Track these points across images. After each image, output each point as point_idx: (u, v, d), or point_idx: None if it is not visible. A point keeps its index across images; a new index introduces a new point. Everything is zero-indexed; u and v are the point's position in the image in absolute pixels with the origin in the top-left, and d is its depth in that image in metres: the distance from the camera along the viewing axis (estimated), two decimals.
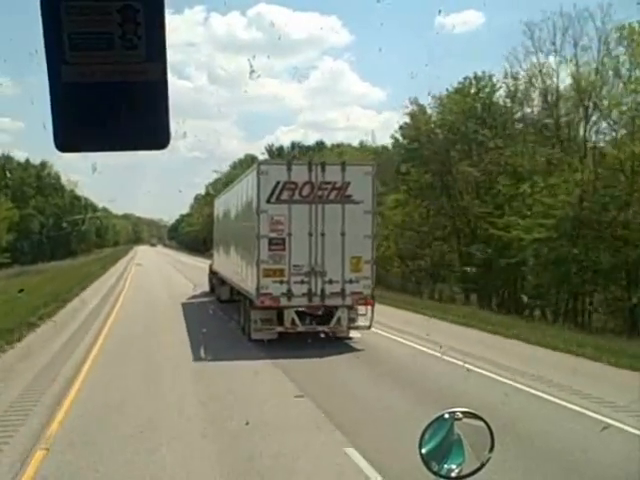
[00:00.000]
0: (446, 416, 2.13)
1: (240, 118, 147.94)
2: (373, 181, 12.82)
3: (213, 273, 24.46)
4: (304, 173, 12.62)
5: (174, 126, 1.51)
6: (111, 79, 1.43)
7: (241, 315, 14.78)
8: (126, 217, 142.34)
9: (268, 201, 12.46)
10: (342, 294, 12.59)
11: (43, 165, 72.40)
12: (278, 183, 12.47)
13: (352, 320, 12.94)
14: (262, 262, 12.42)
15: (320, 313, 12.95)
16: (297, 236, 12.50)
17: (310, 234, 12.55)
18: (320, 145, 61.82)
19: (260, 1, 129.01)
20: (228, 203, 18.87)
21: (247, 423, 7.23)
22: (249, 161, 58.76)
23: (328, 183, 12.62)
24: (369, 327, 12.78)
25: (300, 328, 12.64)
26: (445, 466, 2.13)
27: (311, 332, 12.78)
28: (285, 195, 12.51)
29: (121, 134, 1.46)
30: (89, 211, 75.32)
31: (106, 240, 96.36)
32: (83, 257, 62.04)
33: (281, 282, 12.48)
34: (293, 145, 65.77)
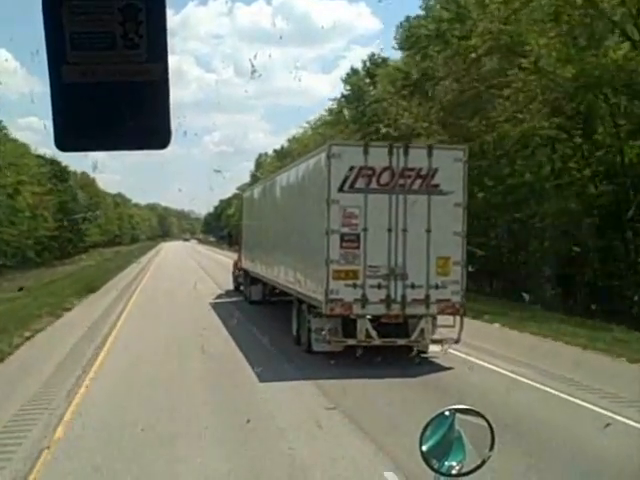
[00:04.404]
0: (446, 413, 2.61)
1: (267, 111, 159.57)
2: (465, 168, 13.08)
3: (239, 270, 26.57)
4: (383, 157, 12.97)
5: (175, 122, 1.78)
6: (112, 79, 1.69)
7: (294, 322, 15.36)
8: (151, 208, 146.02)
9: (340, 189, 12.81)
10: (426, 301, 12.93)
11: None
12: (352, 168, 12.83)
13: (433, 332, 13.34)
14: (332, 262, 12.79)
15: (398, 322, 13.29)
16: (374, 232, 12.87)
17: (389, 230, 12.92)
18: None
19: None
20: (272, 192, 19.55)
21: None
22: None
23: (412, 169, 12.95)
24: (457, 341, 13.10)
25: (376, 341, 12.94)
26: (446, 463, 2.60)
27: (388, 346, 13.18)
28: (360, 183, 12.86)
29: (122, 133, 1.74)
30: None
31: (91, 237, 73.83)
32: None
33: (354, 286, 12.82)
34: None
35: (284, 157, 56.52)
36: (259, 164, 78.93)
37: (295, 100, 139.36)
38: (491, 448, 2.58)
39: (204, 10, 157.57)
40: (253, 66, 76.52)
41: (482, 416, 2.60)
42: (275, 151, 72.83)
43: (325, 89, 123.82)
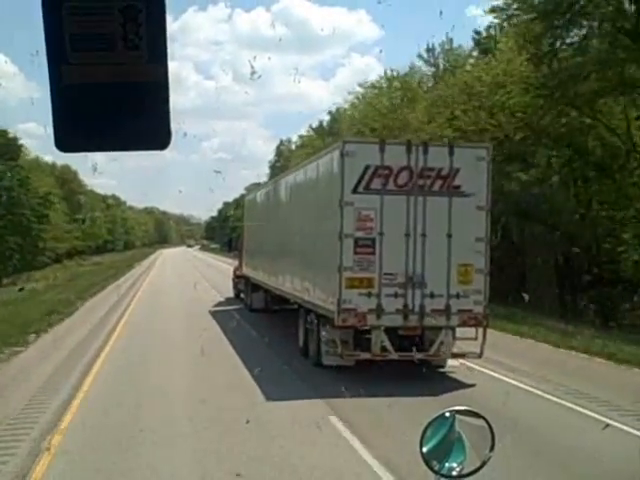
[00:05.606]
0: (447, 414, 2.78)
1: (265, 118, 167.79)
2: (488, 168, 13.18)
3: (239, 277, 27.57)
4: (401, 156, 13.05)
5: (175, 126, 1.93)
6: (112, 80, 1.83)
7: (301, 333, 15.56)
8: (148, 211, 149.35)
9: (355, 191, 12.89)
10: (447, 312, 13.01)
11: None
12: (368, 168, 12.90)
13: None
14: (345, 269, 12.86)
15: (415, 335, 13.39)
16: (390, 236, 12.96)
17: (407, 234, 13.00)
18: None
19: None
20: (278, 194, 19.88)
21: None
22: None
23: (431, 169, 13.04)
24: (480, 355, 13.19)
25: (392, 355, 12.99)
26: (446, 465, 2.78)
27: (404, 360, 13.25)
28: (376, 183, 12.94)
29: (122, 134, 1.89)
30: None
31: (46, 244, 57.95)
32: None
33: (369, 295, 12.89)
34: None
35: (328, 135, 48.79)
36: (280, 152, 76.66)
37: (294, 107, 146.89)
38: (491, 449, 2.74)
39: (203, 16, 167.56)
40: (252, 67, 77.75)
41: (482, 417, 2.77)
42: (311, 127, 63.40)
43: (324, 96, 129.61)
